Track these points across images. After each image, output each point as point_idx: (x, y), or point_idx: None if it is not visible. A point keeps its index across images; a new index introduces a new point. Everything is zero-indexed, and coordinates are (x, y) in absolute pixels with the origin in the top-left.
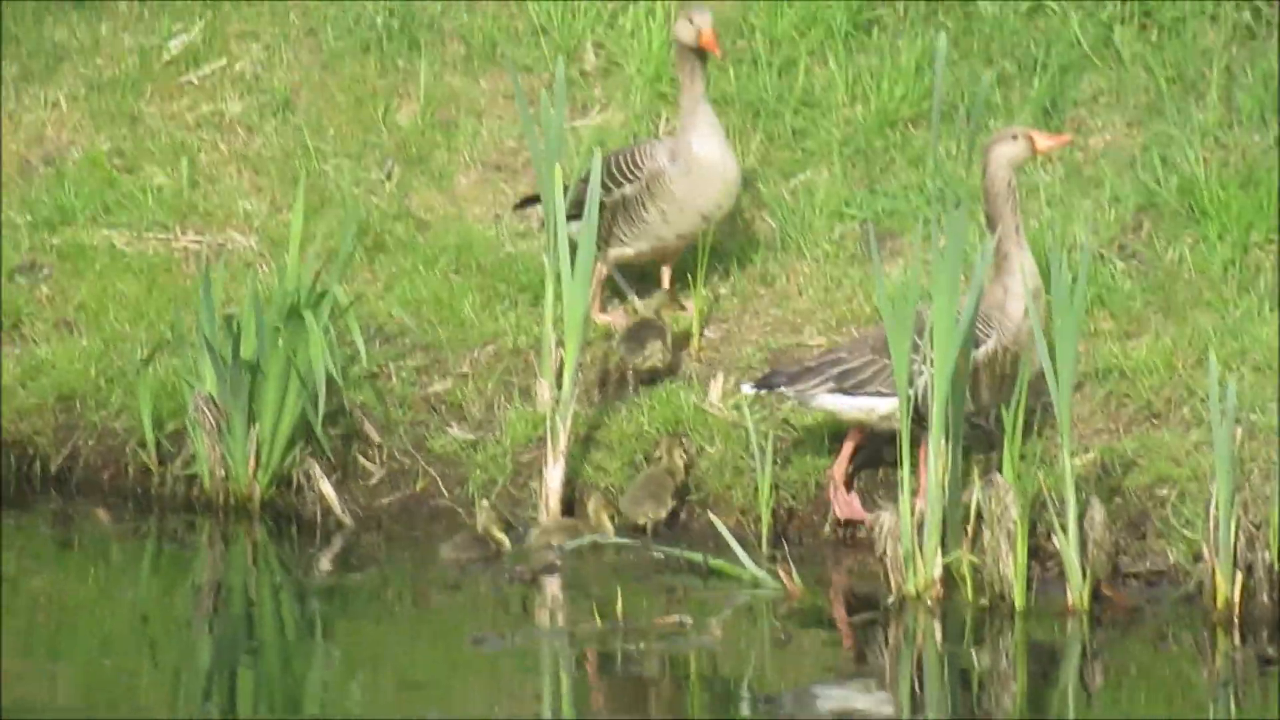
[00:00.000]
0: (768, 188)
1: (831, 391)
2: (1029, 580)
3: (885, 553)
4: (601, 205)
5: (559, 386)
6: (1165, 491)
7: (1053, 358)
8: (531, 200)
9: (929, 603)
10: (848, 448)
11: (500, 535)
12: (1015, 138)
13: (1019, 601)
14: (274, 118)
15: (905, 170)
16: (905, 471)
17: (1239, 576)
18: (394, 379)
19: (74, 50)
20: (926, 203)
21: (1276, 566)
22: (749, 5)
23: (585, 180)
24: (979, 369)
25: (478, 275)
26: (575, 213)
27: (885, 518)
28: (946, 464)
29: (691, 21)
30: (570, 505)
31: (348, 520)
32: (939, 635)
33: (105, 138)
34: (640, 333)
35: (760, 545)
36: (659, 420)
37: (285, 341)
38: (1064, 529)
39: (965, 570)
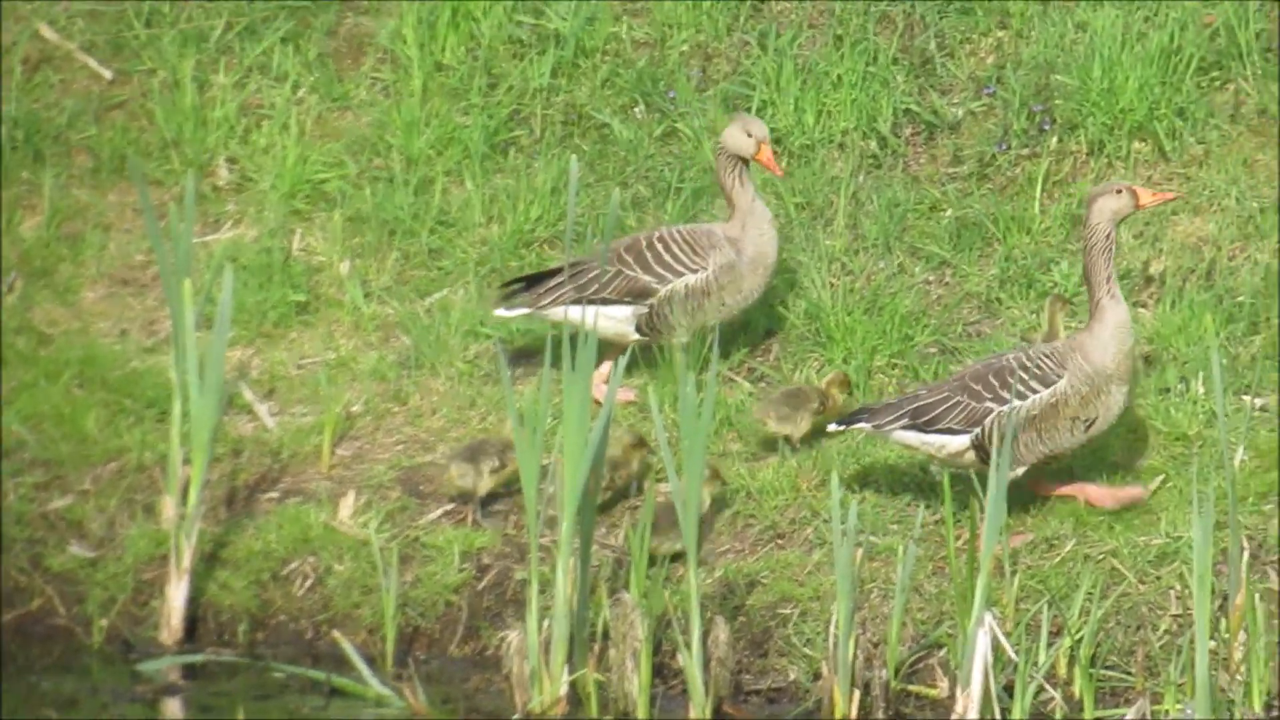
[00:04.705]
0: (402, 306)
1: (906, 427)
2: (653, 697)
3: (511, 670)
4: (649, 291)
5: (184, 503)
6: (788, 610)
7: (682, 478)
8: (517, 281)
9: None
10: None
11: None
12: (1120, 191)
13: (642, 718)
14: None
15: None
16: (534, 589)
17: (856, 694)
18: (11, 495)
19: None
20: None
21: (893, 685)
22: (385, 124)
23: (618, 264)
24: (1048, 409)
25: (102, 390)
26: (624, 299)
27: (512, 636)
28: (575, 582)
29: (750, 135)
30: (194, 624)
31: None
32: None
33: None
34: (791, 400)
35: (386, 664)
36: (287, 538)
37: None
38: (688, 647)
39: (591, 687)
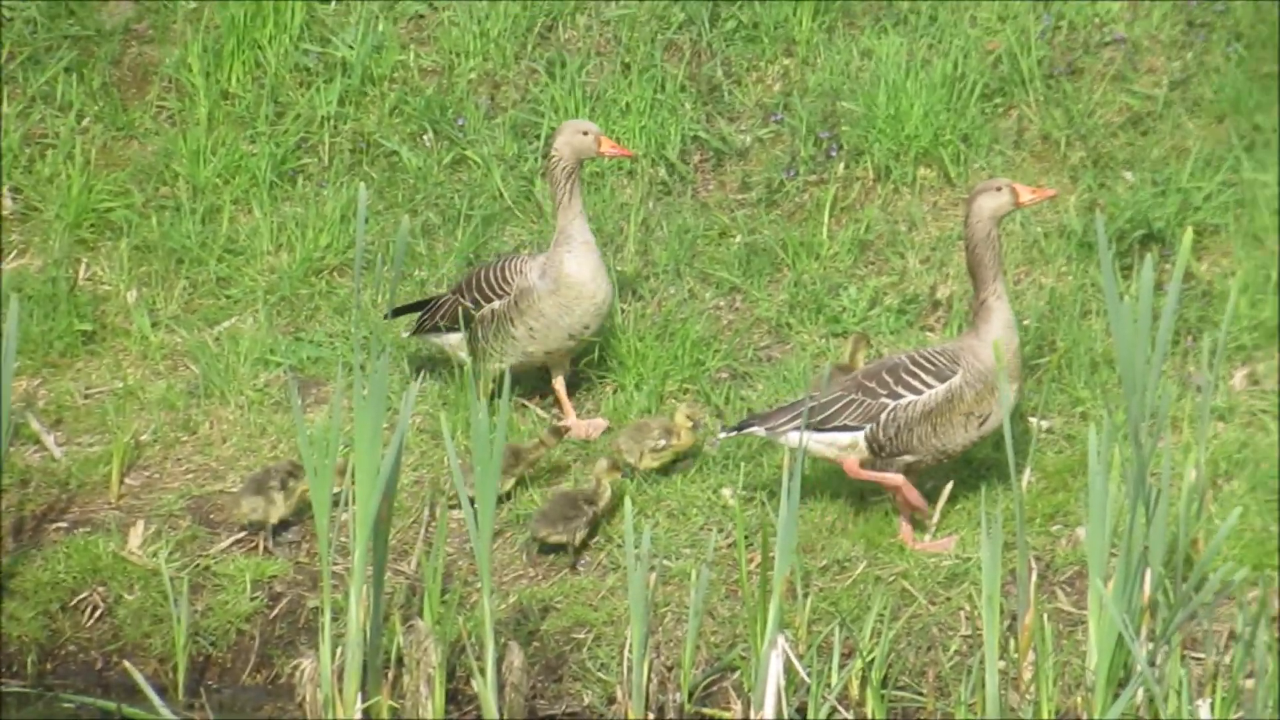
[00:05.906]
0: (191, 334)
1: (799, 428)
2: None
3: (305, 698)
4: (470, 318)
5: None
6: (582, 635)
7: (476, 503)
8: (407, 309)
9: None
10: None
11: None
12: (999, 189)
13: None
14: None
15: (330, 318)
16: (327, 617)
17: (651, 718)
18: None
19: None
20: (351, 350)
21: (687, 708)
22: (172, 152)
23: (455, 291)
24: (944, 404)
25: None
26: (452, 325)
27: (305, 663)
28: (368, 609)
29: (587, 133)
30: None
31: None
32: None
33: None
34: (635, 433)
35: (177, 693)
36: (76, 568)
37: None
38: (482, 672)
39: (385, 714)
